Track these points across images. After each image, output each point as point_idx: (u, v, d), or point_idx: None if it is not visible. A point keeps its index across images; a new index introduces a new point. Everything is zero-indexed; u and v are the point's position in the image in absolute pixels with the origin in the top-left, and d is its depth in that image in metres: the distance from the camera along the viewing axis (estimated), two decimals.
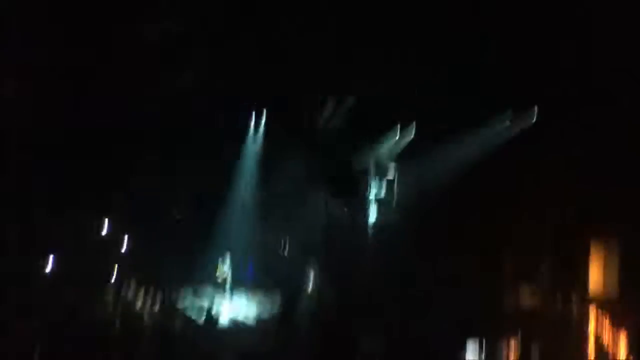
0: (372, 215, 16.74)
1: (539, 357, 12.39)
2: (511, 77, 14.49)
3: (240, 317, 14.47)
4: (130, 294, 14.22)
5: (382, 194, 16.93)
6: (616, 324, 12.69)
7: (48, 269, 16.78)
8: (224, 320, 14.12)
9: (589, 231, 14.53)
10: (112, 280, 14.75)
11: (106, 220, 18.27)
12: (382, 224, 16.85)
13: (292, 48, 15.12)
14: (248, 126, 18.31)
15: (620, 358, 12.28)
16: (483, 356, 12.45)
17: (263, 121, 18.07)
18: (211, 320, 14.10)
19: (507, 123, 16.56)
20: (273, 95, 15.97)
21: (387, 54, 15.38)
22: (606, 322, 12.85)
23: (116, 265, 15.86)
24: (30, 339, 11.66)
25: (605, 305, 13.86)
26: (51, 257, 16.46)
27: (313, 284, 16.19)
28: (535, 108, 15.90)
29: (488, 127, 16.56)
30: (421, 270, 16.17)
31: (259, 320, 14.61)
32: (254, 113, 18.13)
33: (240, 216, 18.21)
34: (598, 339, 12.80)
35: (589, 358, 12.66)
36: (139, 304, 13.86)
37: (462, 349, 12.70)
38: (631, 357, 12.01)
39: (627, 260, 14.02)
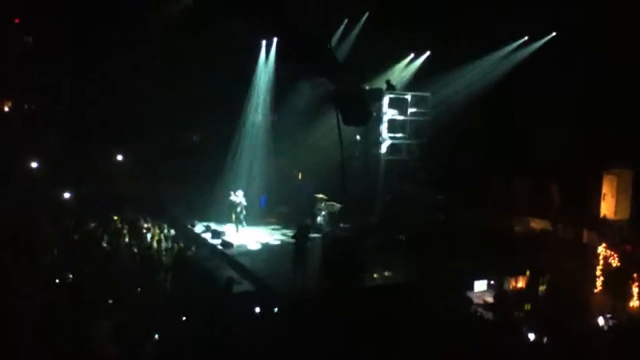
0: (385, 142, 16.48)
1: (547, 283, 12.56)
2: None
3: (251, 245, 14.77)
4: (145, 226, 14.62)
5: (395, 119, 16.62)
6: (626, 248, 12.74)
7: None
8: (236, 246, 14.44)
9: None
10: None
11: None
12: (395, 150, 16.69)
13: None
14: (259, 51, 18.15)
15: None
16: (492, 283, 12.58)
17: (274, 46, 17.87)
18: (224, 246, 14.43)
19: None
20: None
21: None
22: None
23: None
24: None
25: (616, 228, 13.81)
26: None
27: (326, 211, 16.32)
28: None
29: (497, 52, 16.26)
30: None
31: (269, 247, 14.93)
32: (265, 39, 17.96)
33: (253, 140, 18.36)
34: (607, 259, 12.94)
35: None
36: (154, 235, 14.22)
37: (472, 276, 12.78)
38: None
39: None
